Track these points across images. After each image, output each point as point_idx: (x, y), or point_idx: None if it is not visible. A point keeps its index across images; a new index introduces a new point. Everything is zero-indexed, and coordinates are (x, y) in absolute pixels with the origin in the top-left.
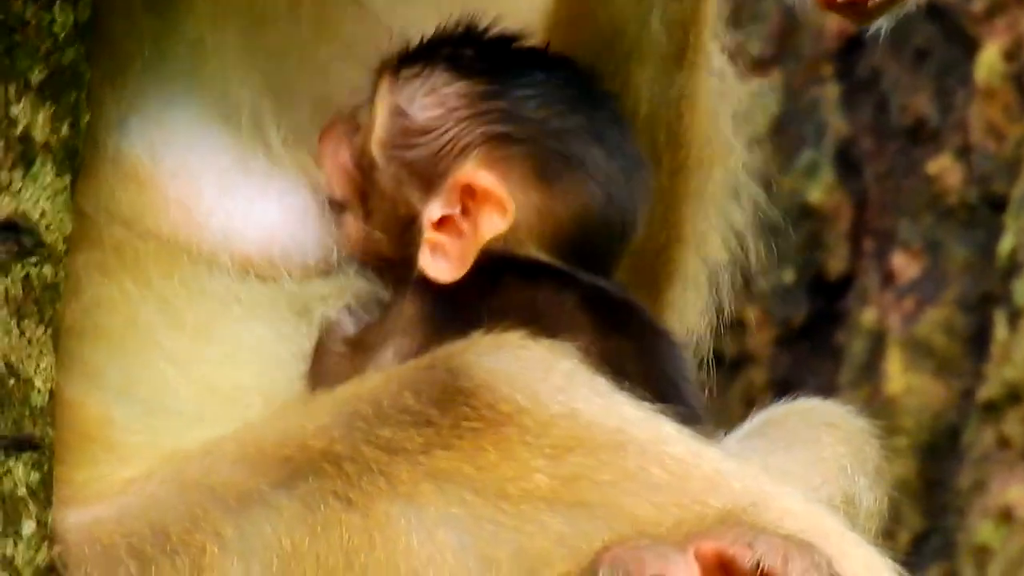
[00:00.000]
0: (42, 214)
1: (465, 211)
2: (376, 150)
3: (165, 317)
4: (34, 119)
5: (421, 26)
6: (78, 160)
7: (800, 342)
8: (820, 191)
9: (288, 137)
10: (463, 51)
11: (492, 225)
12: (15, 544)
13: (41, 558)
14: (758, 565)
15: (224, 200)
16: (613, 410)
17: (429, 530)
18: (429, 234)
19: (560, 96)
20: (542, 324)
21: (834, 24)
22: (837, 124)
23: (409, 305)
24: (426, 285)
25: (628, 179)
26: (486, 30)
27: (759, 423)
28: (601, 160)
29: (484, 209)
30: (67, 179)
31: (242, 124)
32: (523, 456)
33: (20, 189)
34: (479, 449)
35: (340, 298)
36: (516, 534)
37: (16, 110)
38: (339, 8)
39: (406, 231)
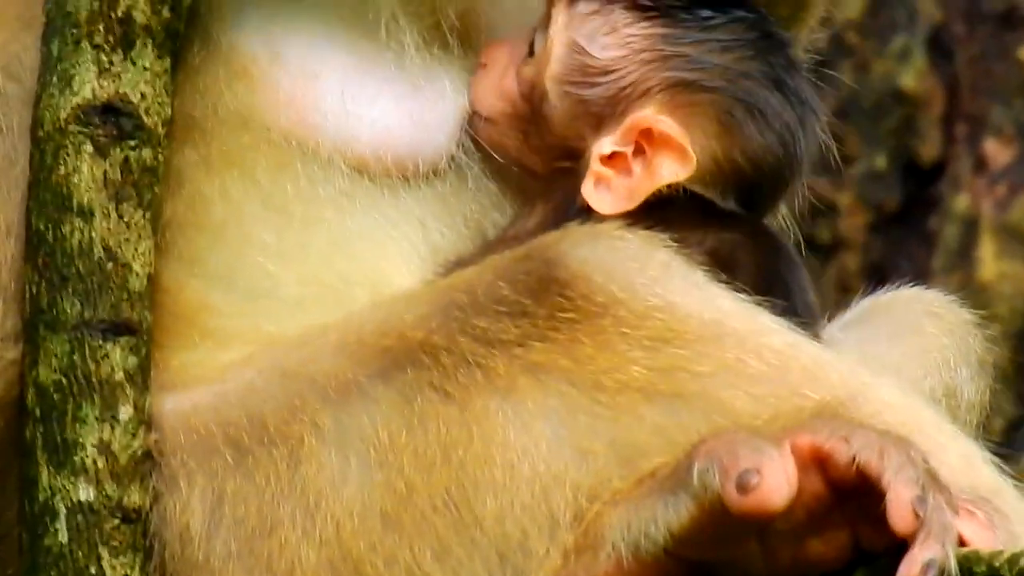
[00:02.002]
0: (142, 97)
1: (639, 151)
2: (549, 83)
3: (270, 211)
4: (135, 1)
5: None
6: (179, 43)
7: (893, 227)
8: (912, 76)
9: (417, 42)
10: None
11: (671, 171)
12: (112, 429)
13: (138, 444)
14: (853, 459)
15: (342, 101)
16: (711, 302)
17: (525, 423)
18: (596, 167)
19: (740, 40)
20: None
21: None
22: (929, 9)
23: (544, 213)
24: (569, 200)
25: (802, 126)
26: None
27: (862, 310)
28: (779, 107)
29: (662, 154)
30: (167, 62)
31: (366, 25)
32: (619, 348)
33: (120, 72)
34: (575, 340)
35: (451, 200)
36: (612, 425)
37: None
38: None
39: (563, 158)
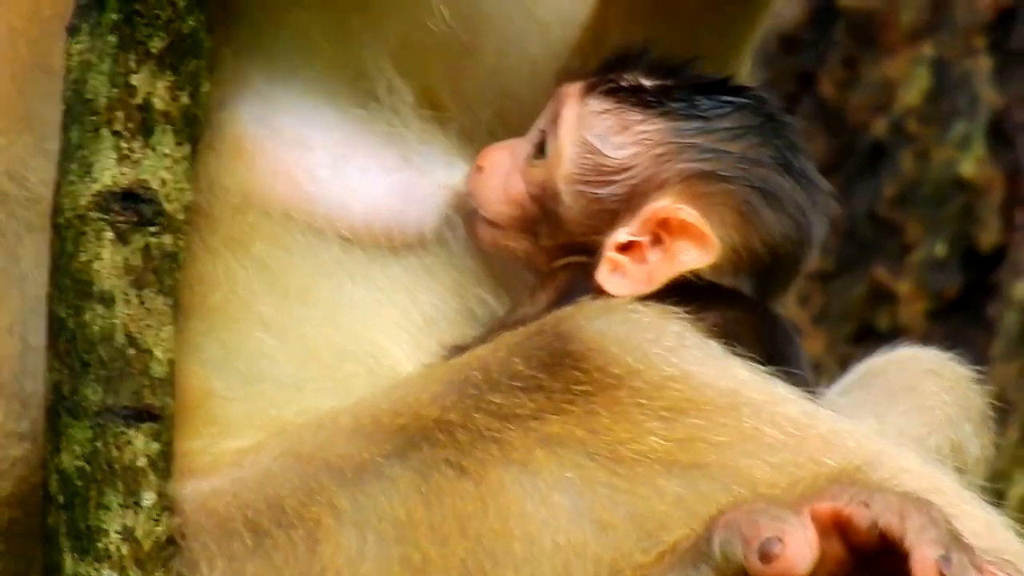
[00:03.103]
0: (162, 183)
1: (656, 241)
2: (562, 184)
3: (267, 286)
4: (154, 88)
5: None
6: (197, 129)
7: (953, 314)
8: (972, 163)
9: (412, 104)
10: (643, 82)
11: (692, 258)
12: (136, 515)
13: (161, 529)
14: (874, 523)
15: (333, 174)
16: (726, 372)
17: (543, 495)
18: (611, 254)
19: (748, 127)
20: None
21: None
22: (990, 96)
23: (547, 301)
24: (573, 287)
25: (814, 207)
26: (652, 56)
27: (860, 373)
28: (792, 191)
29: (682, 242)
30: (187, 148)
31: (360, 94)
32: (636, 418)
33: (140, 158)
34: (591, 413)
35: (438, 272)
36: (631, 497)
37: (136, 79)
38: None
39: (574, 254)
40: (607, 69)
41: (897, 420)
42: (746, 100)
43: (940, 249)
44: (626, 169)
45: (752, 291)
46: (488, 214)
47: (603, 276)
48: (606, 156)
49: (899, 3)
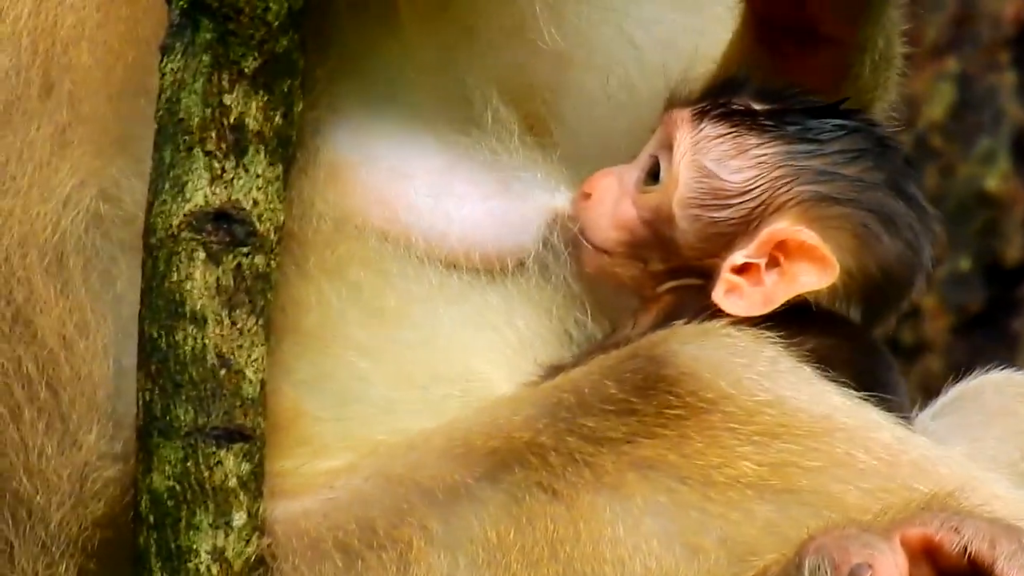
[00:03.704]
0: (254, 203)
1: (772, 263)
2: (677, 208)
3: (361, 310)
4: (247, 108)
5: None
6: (291, 149)
7: (977, 329)
8: (996, 179)
9: (505, 141)
10: (755, 106)
11: (812, 280)
12: (226, 536)
13: (251, 550)
14: (965, 549)
15: (432, 202)
16: (819, 397)
17: (635, 519)
18: (728, 276)
19: (861, 150)
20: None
21: (1011, 11)
22: (1014, 111)
23: (650, 319)
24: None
25: (925, 231)
26: (756, 81)
27: (952, 397)
28: (906, 215)
29: (801, 264)
30: (280, 168)
31: (459, 121)
32: (729, 443)
33: (233, 178)
34: (683, 437)
35: (536, 296)
36: (723, 521)
37: (230, 99)
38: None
39: (686, 277)
40: (714, 95)
41: (990, 445)
42: (857, 124)
43: (964, 264)
44: (744, 193)
45: (861, 315)
46: (596, 241)
47: (720, 297)
48: (724, 180)
49: (923, 19)
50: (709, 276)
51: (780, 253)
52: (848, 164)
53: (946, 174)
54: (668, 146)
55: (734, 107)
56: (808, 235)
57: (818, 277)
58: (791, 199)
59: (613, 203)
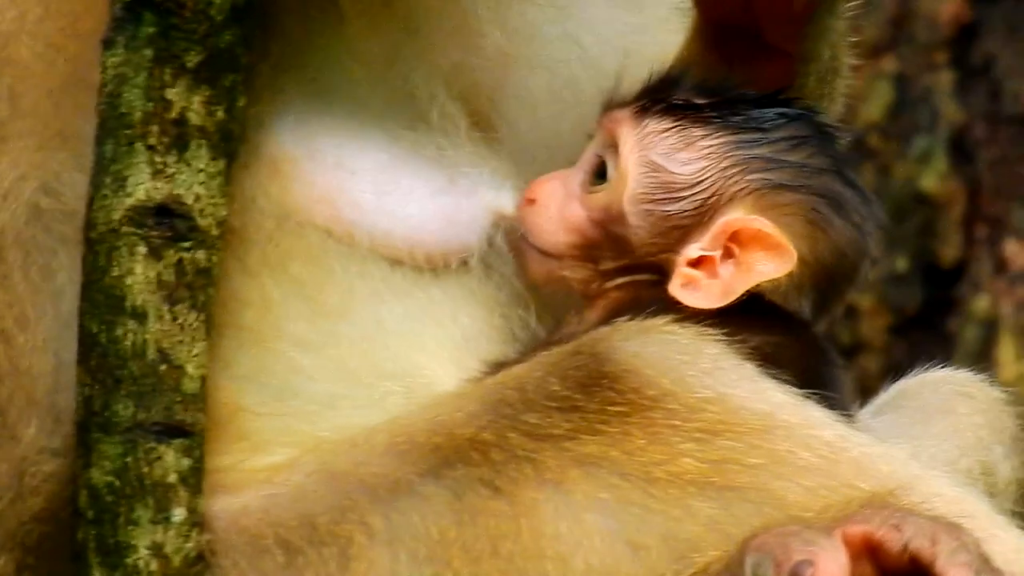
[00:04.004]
0: (196, 198)
1: (727, 254)
2: (628, 205)
3: (304, 304)
4: (190, 102)
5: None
6: (233, 144)
7: (913, 329)
8: (933, 178)
9: (452, 136)
10: (696, 100)
11: (769, 268)
12: (165, 531)
13: (191, 546)
14: (906, 547)
15: (376, 199)
16: (761, 394)
17: (577, 515)
18: (685, 269)
19: (805, 137)
20: None
21: (948, 11)
22: (951, 111)
23: (596, 315)
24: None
25: (870, 214)
26: (693, 77)
27: (892, 395)
28: (852, 198)
29: (757, 253)
30: (222, 163)
31: (405, 117)
32: (671, 440)
33: (175, 173)
34: (626, 434)
35: (480, 293)
36: (664, 518)
37: (172, 93)
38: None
39: (636, 272)
40: (651, 93)
41: (930, 442)
42: (798, 112)
43: (901, 264)
44: (695, 184)
45: (810, 305)
46: (545, 246)
47: (677, 290)
48: (673, 173)
49: (861, 19)
50: (662, 271)
51: (735, 244)
52: (793, 151)
53: (883, 174)
54: (613, 145)
55: (675, 102)
56: (762, 223)
57: (775, 265)
58: (742, 188)
59: (559, 206)
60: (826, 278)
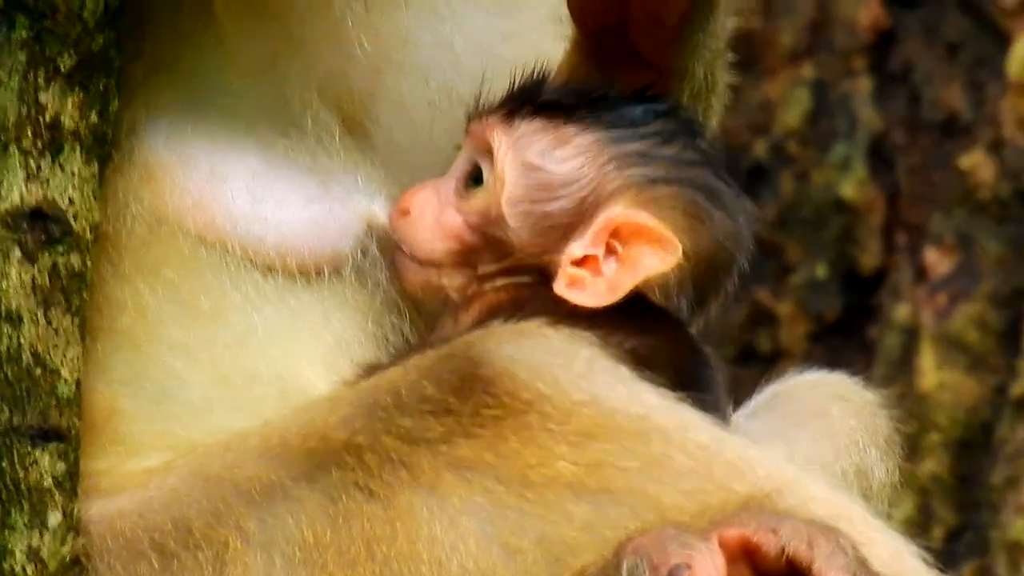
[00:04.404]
0: (70, 202)
1: (611, 251)
2: (507, 207)
3: (177, 308)
4: (63, 106)
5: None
6: (107, 148)
7: (833, 337)
8: (853, 185)
9: (325, 143)
10: (564, 101)
11: (655, 262)
12: (41, 536)
13: (67, 550)
14: (783, 550)
15: (249, 206)
16: (636, 397)
17: (452, 519)
18: (570, 270)
19: (676, 131)
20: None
21: (867, 17)
22: (869, 118)
23: (471, 317)
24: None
25: (743, 207)
26: (554, 81)
27: (767, 397)
28: (726, 190)
29: (641, 247)
30: (95, 167)
31: (279, 124)
32: (546, 443)
33: (48, 177)
34: (500, 437)
35: (352, 299)
36: (540, 522)
37: (45, 96)
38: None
39: (517, 274)
40: (517, 98)
41: (805, 445)
42: (665, 108)
43: (821, 271)
44: (572, 182)
45: (690, 301)
46: (422, 255)
47: (563, 290)
48: (550, 171)
49: (779, 24)
50: (543, 273)
51: (617, 240)
52: (665, 145)
53: (802, 180)
54: (486, 150)
55: (543, 103)
56: (643, 217)
57: (660, 258)
58: (620, 184)
59: (435, 215)
60: (707, 271)
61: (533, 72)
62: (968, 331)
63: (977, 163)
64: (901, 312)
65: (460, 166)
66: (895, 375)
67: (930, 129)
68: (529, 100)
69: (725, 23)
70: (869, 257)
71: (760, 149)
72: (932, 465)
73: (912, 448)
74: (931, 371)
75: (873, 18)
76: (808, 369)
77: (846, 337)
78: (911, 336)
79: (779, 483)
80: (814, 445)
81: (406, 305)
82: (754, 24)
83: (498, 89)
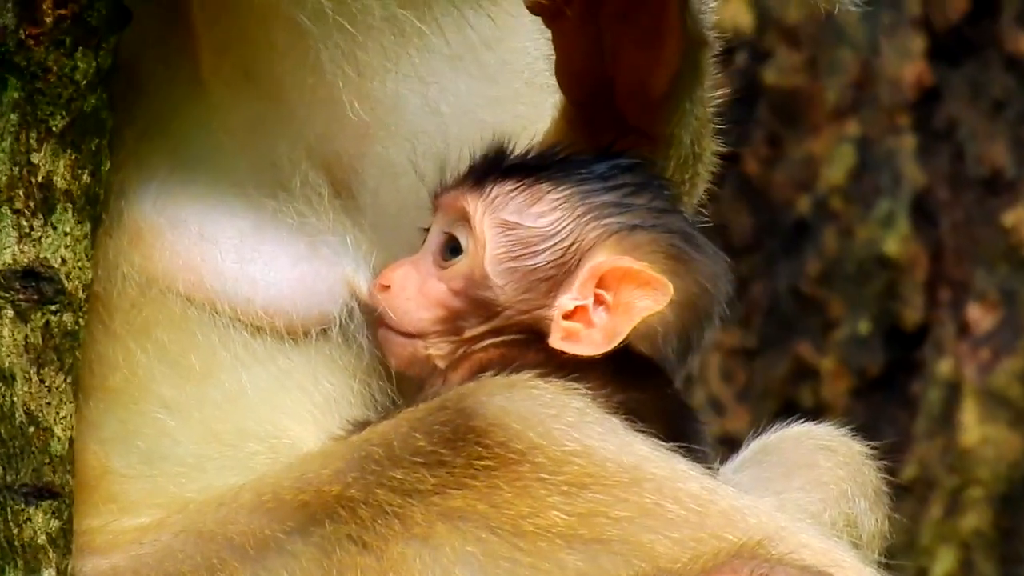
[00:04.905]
0: (63, 262)
1: (598, 301)
2: (490, 267)
3: (166, 369)
4: (55, 166)
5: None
6: (99, 208)
7: (876, 392)
8: (896, 241)
9: (314, 204)
10: (531, 162)
11: (647, 304)
12: None
13: None
14: None
15: (237, 268)
16: (628, 447)
17: (445, 569)
18: (564, 323)
19: (643, 183)
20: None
21: (911, 74)
22: (913, 174)
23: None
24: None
25: (717, 252)
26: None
27: (754, 450)
28: (699, 236)
29: (631, 292)
30: (87, 227)
31: (266, 185)
32: (538, 493)
33: (41, 236)
34: (493, 487)
35: (340, 358)
36: (533, 572)
37: (37, 157)
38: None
39: (506, 333)
40: (482, 166)
41: (794, 496)
42: (630, 162)
43: (863, 327)
44: (553, 235)
45: (675, 350)
46: (407, 327)
47: (558, 343)
48: (530, 227)
49: (824, 81)
50: (531, 330)
51: (604, 288)
52: (636, 195)
53: (846, 236)
54: (461, 219)
55: (510, 165)
56: (627, 262)
57: (653, 299)
58: (600, 232)
59: (417, 286)
60: (691, 314)
61: (495, 142)
62: (1011, 386)
63: (1021, 219)
64: (944, 367)
65: (433, 240)
66: (938, 430)
67: (974, 185)
68: (496, 166)
69: (712, 92)
70: (912, 312)
71: (804, 205)
72: (974, 519)
73: (954, 503)
74: (974, 426)
75: (918, 75)
76: (846, 423)
77: (889, 392)
78: (954, 391)
79: (771, 531)
80: (803, 496)
81: (394, 369)
82: (799, 82)
83: (464, 161)
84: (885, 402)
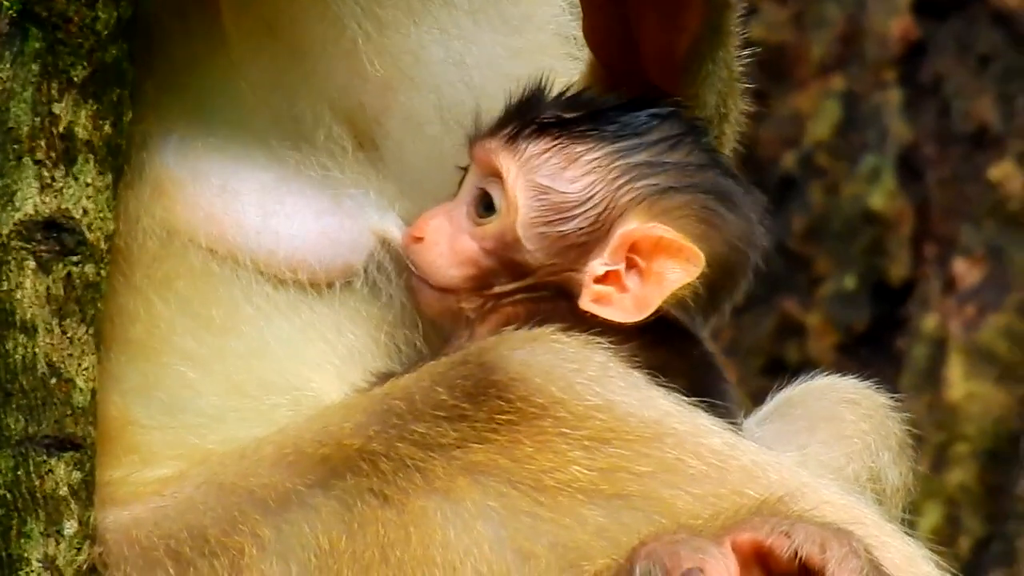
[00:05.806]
0: (84, 212)
1: (631, 265)
2: (521, 230)
3: (190, 320)
4: (77, 117)
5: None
6: (120, 159)
7: (862, 348)
8: (882, 197)
9: (337, 157)
10: (565, 116)
11: (680, 274)
12: (57, 544)
13: (83, 558)
14: (796, 554)
15: (260, 221)
16: (649, 402)
17: (466, 523)
18: (595, 287)
19: (680, 135)
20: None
21: (898, 29)
22: (899, 129)
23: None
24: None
25: (755, 203)
26: (551, 93)
27: (778, 403)
28: (736, 190)
29: (663, 261)
30: (109, 177)
31: (292, 137)
32: (560, 448)
33: (63, 187)
34: (514, 442)
35: (364, 310)
36: (554, 526)
37: (58, 108)
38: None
39: (537, 290)
40: (517, 117)
41: (816, 450)
42: (667, 111)
43: (849, 282)
44: (586, 200)
45: (703, 306)
46: (439, 282)
47: (588, 305)
48: (563, 192)
49: (809, 37)
50: (561, 289)
51: (636, 255)
52: (672, 151)
53: (832, 192)
54: (494, 174)
55: (546, 121)
56: (662, 230)
57: (684, 270)
58: (632, 197)
59: (449, 242)
60: (721, 275)
61: (530, 87)
62: (997, 342)
63: (1007, 175)
64: (930, 323)
65: (469, 191)
66: (923, 386)
67: (960, 141)
68: (531, 118)
69: (736, 53)
70: (898, 268)
71: (790, 161)
72: (960, 475)
73: (940, 458)
74: (959, 382)
75: (904, 30)
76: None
77: (875, 348)
78: (940, 347)
79: (792, 487)
80: (826, 449)
81: (419, 318)
82: (785, 37)
83: (484, 115)
84: (871, 358)
